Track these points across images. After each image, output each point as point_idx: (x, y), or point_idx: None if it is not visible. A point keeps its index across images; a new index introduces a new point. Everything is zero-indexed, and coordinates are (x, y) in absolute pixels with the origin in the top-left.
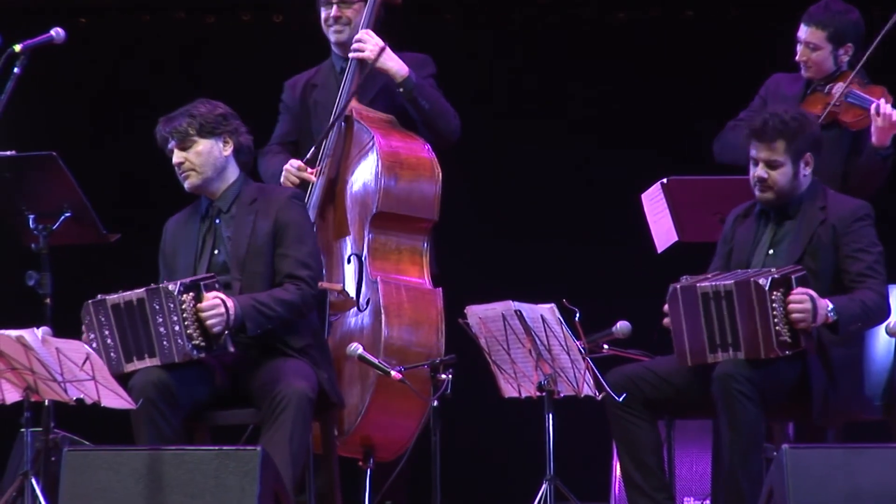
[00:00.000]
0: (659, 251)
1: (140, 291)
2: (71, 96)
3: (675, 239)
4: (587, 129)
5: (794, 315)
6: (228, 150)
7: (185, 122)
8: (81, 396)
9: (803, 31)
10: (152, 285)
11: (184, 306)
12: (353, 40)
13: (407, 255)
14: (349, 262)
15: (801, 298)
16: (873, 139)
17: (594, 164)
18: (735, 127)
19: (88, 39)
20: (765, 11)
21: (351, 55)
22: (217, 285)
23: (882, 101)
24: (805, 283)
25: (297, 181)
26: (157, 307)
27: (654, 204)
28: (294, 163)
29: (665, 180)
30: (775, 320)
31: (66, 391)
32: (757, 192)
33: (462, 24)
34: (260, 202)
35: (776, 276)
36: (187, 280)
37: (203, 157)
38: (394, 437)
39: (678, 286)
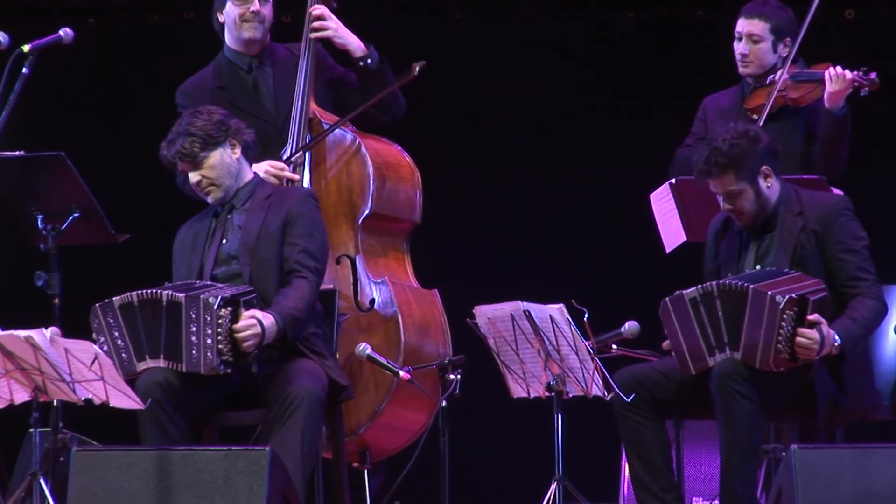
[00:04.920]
0: (667, 251)
1: (179, 295)
2: (79, 96)
3: (684, 239)
4: (598, 128)
5: (800, 348)
6: (237, 153)
7: (188, 141)
8: (90, 397)
9: (744, 25)
10: (190, 287)
11: (220, 321)
12: (311, 19)
13: (392, 257)
14: (338, 262)
15: (810, 335)
16: (826, 103)
17: (602, 164)
18: (682, 153)
19: (96, 39)
20: None
21: (312, 35)
22: (255, 301)
23: (831, 67)
24: (823, 305)
25: (278, 182)
26: (194, 315)
27: (663, 204)
28: (274, 164)
29: (674, 180)
30: (779, 338)
31: (74, 391)
32: (736, 221)
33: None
34: (275, 197)
35: (794, 295)
36: (227, 294)
37: (217, 168)
38: (395, 441)
39: (667, 299)
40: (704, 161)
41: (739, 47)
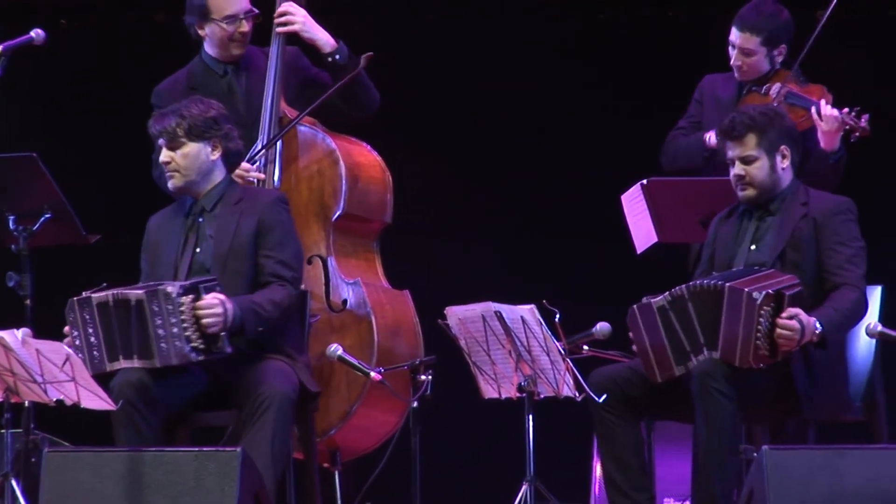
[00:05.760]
0: (638, 252)
1: (139, 292)
2: (51, 97)
3: (655, 240)
4: (570, 127)
5: (781, 339)
6: (216, 155)
7: (175, 121)
8: (61, 397)
9: (736, 37)
10: (152, 285)
11: (182, 308)
12: (277, 13)
13: (363, 257)
14: (310, 263)
15: (790, 325)
16: (821, 144)
17: (573, 165)
18: (676, 136)
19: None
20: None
21: (279, 30)
22: (218, 287)
23: (822, 102)
24: (799, 300)
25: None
26: (157, 309)
27: (634, 205)
28: (243, 165)
29: (645, 181)
30: (758, 334)
31: (46, 392)
32: (739, 192)
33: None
34: (245, 202)
35: (770, 291)
36: (187, 282)
37: (189, 159)
38: (366, 442)
39: (635, 306)
40: (730, 121)
41: (733, 56)
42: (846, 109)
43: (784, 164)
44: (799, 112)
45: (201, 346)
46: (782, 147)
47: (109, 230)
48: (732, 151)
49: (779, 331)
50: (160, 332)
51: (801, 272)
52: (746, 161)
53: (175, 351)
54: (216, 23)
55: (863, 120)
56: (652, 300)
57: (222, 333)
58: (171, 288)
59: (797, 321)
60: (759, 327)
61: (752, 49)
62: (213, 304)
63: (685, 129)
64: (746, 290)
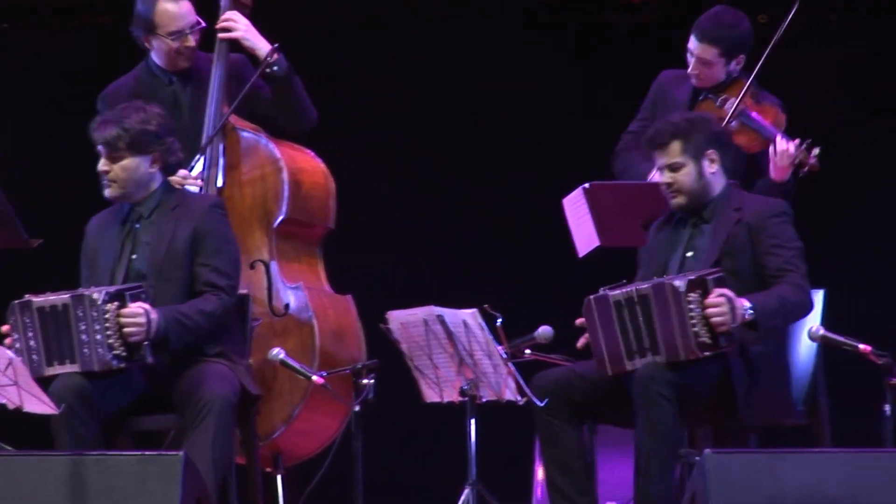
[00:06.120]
0: (580, 256)
1: (65, 297)
2: None
3: (597, 244)
4: (514, 129)
5: (713, 318)
6: (156, 168)
7: (116, 132)
8: (3, 401)
9: (695, 46)
10: (78, 291)
11: (107, 315)
12: (220, 21)
13: (306, 262)
14: (252, 267)
15: (718, 301)
16: (772, 174)
17: (515, 169)
18: (627, 145)
19: (10, 44)
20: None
21: (220, 36)
22: (144, 296)
23: (778, 137)
24: (722, 284)
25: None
26: (81, 314)
27: (576, 209)
28: (180, 172)
29: (587, 185)
30: (693, 321)
31: None
32: (670, 200)
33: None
34: (181, 209)
35: (692, 277)
36: (112, 289)
37: (128, 172)
38: (308, 445)
39: (592, 297)
40: (654, 130)
41: (691, 64)
42: (797, 141)
43: (713, 168)
44: (752, 135)
45: (123, 354)
46: (709, 152)
47: (53, 235)
48: (659, 160)
49: (709, 310)
50: (83, 337)
51: (738, 279)
52: (673, 168)
53: (97, 357)
54: (161, 38)
55: (812, 155)
56: (609, 293)
57: (144, 343)
58: (97, 294)
59: (724, 298)
60: (692, 314)
61: (711, 60)
62: (137, 312)
63: (636, 133)
64: (667, 282)
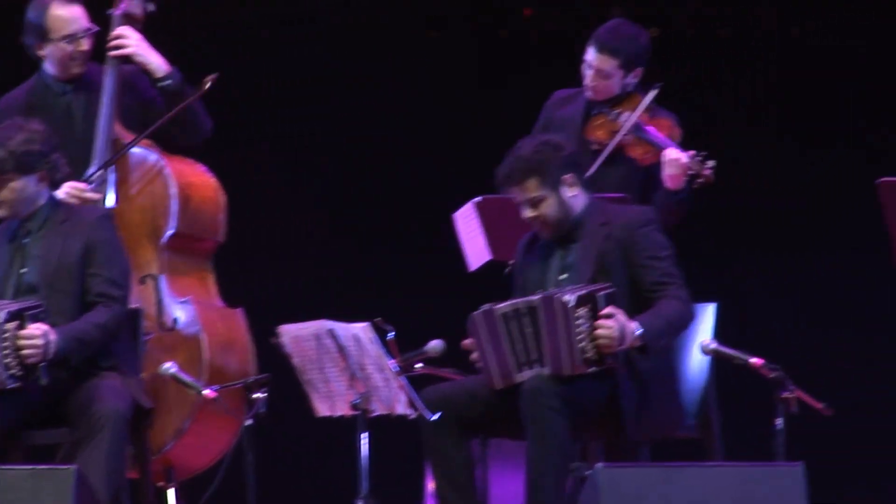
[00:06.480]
0: (472, 269)
1: None
2: None
3: (489, 257)
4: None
5: (601, 341)
6: (43, 186)
7: (1, 155)
8: None
9: (593, 57)
10: None
11: (6, 335)
12: (111, 37)
13: (197, 276)
14: (142, 282)
15: (608, 324)
16: (666, 184)
17: (409, 182)
18: None
19: None
20: None
21: (112, 53)
22: (43, 315)
23: (669, 149)
24: (612, 300)
25: (77, 203)
26: None
27: (468, 223)
28: (75, 185)
29: (479, 199)
30: (579, 337)
31: None
32: (538, 232)
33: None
34: (70, 223)
35: (582, 293)
36: (14, 307)
37: (17, 193)
38: (200, 459)
39: (477, 313)
40: (507, 168)
41: (588, 77)
42: (692, 152)
43: (573, 192)
44: (646, 147)
45: (19, 374)
46: (566, 178)
47: None
48: (518, 196)
49: (598, 331)
50: None
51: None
52: (534, 203)
53: None
54: (55, 43)
55: (707, 167)
56: (494, 307)
57: (41, 364)
58: None
59: (615, 321)
60: (580, 330)
61: (609, 72)
62: (35, 335)
63: None
64: (556, 296)
